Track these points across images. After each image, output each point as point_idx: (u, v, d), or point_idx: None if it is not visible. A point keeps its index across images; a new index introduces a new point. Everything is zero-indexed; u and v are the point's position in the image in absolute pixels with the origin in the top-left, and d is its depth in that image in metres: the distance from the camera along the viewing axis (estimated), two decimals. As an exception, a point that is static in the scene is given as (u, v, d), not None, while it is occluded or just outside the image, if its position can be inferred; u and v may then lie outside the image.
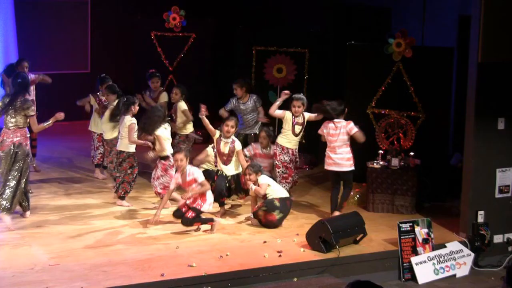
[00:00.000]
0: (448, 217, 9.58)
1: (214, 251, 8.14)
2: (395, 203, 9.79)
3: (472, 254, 8.76)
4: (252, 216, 9.21)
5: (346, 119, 9.35)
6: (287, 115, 9.74)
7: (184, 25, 13.41)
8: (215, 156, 9.60)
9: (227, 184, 9.43)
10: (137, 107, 9.75)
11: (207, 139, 11.25)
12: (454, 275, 8.58)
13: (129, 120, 9.55)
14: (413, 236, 8.52)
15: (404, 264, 8.41)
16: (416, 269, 8.38)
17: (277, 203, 8.99)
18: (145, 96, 11.28)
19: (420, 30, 11.73)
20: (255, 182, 9.09)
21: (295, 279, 7.79)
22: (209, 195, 8.89)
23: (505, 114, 8.93)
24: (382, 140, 10.28)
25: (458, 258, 8.66)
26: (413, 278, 8.39)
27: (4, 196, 8.70)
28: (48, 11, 14.93)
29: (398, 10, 12.77)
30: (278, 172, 9.78)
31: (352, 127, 9.27)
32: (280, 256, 8.08)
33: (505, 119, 8.93)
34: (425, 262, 8.46)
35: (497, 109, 8.92)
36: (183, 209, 8.77)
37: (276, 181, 9.49)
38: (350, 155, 9.31)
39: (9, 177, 8.75)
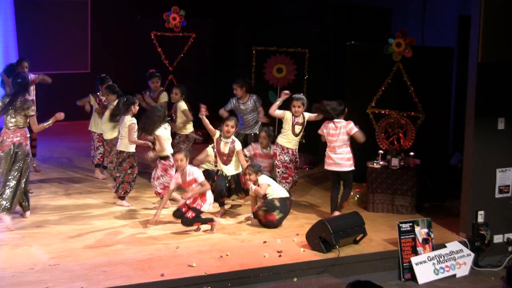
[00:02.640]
0: (448, 217, 9.59)
1: (214, 251, 8.14)
2: (395, 203, 9.79)
3: (472, 254, 8.76)
4: (252, 216, 9.21)
5: (346, 119, 9.35)
6: (287, 115, 9.74)
7: (184, 25, 13.41)
8: (215, 156, 9.59)
9: (227, 184, 9.42)
10: (137, 107, 9.75)
11: (207, 139, 11.25)
12: (454, 275, 8.58)
13: (129, 120, 9.55)
14: (413, 236, 8.52)
15: (404, 264, 8.41)
16: (416, 269, 8.38)
17: (277, 203, 8.99)
18: (145, 96, 11.28)
19: (420, 30, 11.74)
20: (255, 182, 9.09)
21: (295, 279, 7.79)
22: (209, 195, 8.89)
23: (505, 114, 8.93)
24: (382, 140, 10.27)
25: (458, 258, 8.66)
26: (413, 278, 8.39)
27: (4, 196, 8.69)
28: (48, 11, 14.93)
29: (398, 10, 12.77)
30: (278, 172, 9.78)
31: (352, 127, 9.27)
32: (280, 256, 8.07)
33: (505, 119, 8.93)
34: (425, 262, 8.46)
35: (497, 109, 8.91)
36: (183, 209, 8.77)
37: (276, 181, 9.49)
38: (350, 155, 9.31)
39: (9, 177, 8.74)
